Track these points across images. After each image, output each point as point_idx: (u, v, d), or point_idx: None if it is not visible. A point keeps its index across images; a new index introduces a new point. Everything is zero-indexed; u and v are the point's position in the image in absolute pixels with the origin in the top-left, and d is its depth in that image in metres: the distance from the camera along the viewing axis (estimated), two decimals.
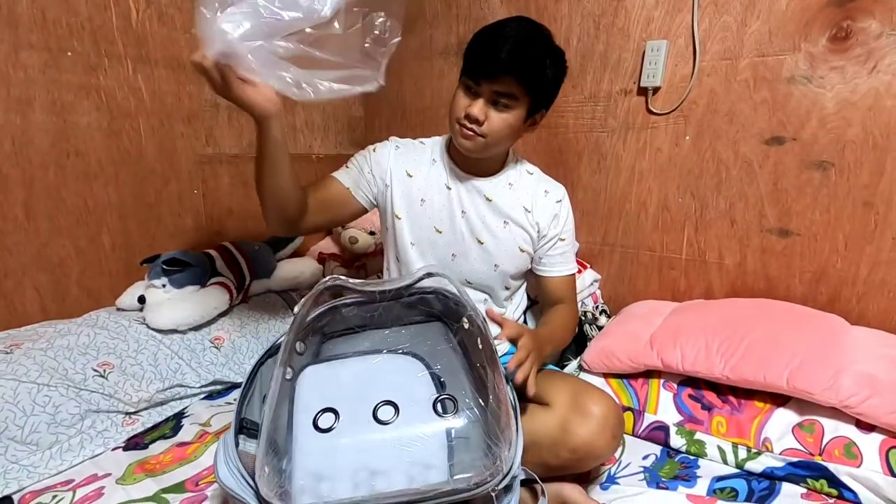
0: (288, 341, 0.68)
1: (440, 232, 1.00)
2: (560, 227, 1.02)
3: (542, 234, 1.01)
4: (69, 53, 1.17)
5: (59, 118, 1.18)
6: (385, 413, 0.61)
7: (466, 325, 0.71)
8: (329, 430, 0.60)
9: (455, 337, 0.72)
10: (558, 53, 0.90)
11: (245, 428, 0.69)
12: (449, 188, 0.99)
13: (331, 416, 0.61)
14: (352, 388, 0.65)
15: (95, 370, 1.02)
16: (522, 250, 1.01)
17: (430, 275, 0.73)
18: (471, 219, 0.99)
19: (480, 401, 0.63)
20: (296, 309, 0.73)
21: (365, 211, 1.02)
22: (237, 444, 0.66)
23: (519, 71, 0.83)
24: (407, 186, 1.00)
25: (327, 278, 0.72)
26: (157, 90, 1.34)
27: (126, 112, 1.29)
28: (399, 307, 0.75)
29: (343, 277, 0.73)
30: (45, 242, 1.19)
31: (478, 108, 0.86)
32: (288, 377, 0.66)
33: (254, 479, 0.60)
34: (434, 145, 1.04)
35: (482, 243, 0.99)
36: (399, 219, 1.00)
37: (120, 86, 1.27)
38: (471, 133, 0.88)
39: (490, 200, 0.99)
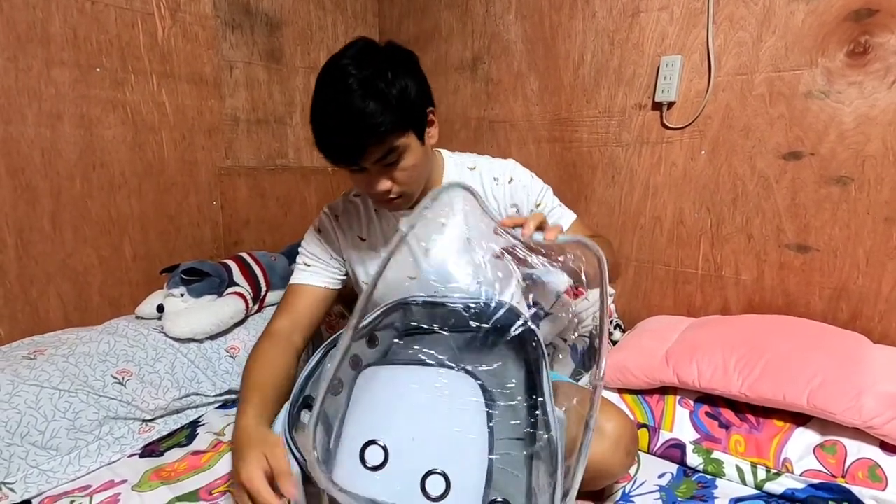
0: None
1: (413, 278, 0.98)
2: (527, 203, 0.93)
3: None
4: (98, 69, 1.22)
5: (86, 132, 1.22)
6: (434, 487, 0.56)
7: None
8: (377, 468, 0.57)
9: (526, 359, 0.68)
10: (400, 65, 0.77)
11: (308, 405, 0.67)
12: (404, 231, 0.97)
13: (379, 452, 0.58)
14: (405, 429, 0.61)
15: (114, 377, 1.04)
16: (495, 256, 0.97)
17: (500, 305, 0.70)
18: (433, 253, 0.97)
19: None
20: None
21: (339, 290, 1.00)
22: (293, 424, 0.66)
23: (381, 131, 0.73)
24: (363, 252, 0.95)
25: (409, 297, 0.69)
26: (180, 105, 1.38)
27: (150, 126, 1.33)
28: (463, 313, 0.70)
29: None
30: (70, 252, 1.22)
31: (379, 184, 0.79)
32: (351, 366, 0.65)
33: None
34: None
35: None
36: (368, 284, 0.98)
37: (145, 100, 1.31)
38: (394, 202, 0.83)
39: (445, 224, 0.96)
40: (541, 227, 0.70)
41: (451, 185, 0.68)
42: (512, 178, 0.94)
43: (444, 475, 0.56)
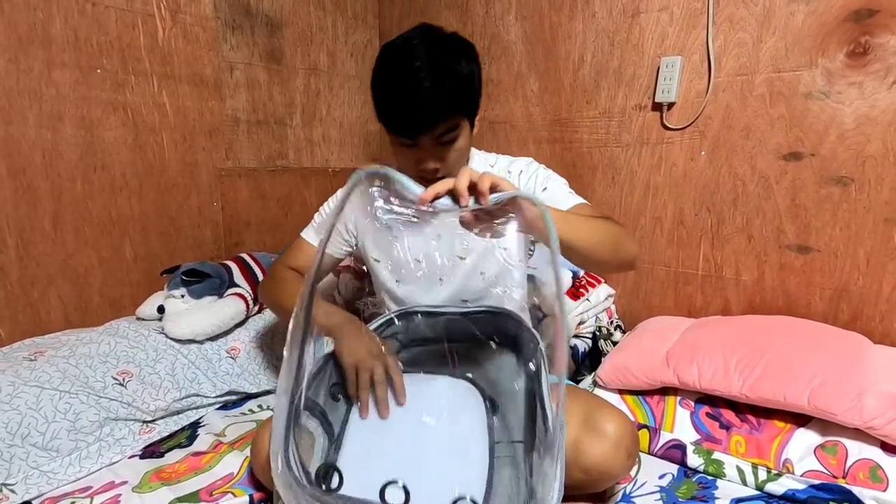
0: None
1: (419, 261, 0.98)
2: (534, 190, 0.92)
3: None
4: (98, 71, 1.22)
5: (87, 133, 1.22)
6: (393, 497, 0.55)
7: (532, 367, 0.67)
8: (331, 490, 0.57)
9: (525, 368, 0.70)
10: (465, 50, 0.81)
11: (310, 408, 0.67)
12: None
13: (335, 478, 0.57)
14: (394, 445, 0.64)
15: (115, 378, 1.04)
16: (504, 248, 0.95)
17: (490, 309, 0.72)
18: (444, 240, 0.95)
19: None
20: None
21: (343, 259, 1.06)
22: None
23: (449, 108, 0.77)
24: (376, 229, 0.97)
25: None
26: (181, 106, 1.38)
27: (150, 127, 1.33)
28: (465, 321, 0.73)
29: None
30: (70, 253, 1.23)
31: (430, 161, 0.81)
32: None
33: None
34: None
35: (463, 259, 0.95)
36: (378, 261, 0.99)
37: (145, 102, 1.31)
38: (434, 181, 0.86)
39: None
40: (472, 187, 0.59)
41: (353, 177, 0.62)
42: (522, 171, 0.95)
43: (406, 490, 0.55)
